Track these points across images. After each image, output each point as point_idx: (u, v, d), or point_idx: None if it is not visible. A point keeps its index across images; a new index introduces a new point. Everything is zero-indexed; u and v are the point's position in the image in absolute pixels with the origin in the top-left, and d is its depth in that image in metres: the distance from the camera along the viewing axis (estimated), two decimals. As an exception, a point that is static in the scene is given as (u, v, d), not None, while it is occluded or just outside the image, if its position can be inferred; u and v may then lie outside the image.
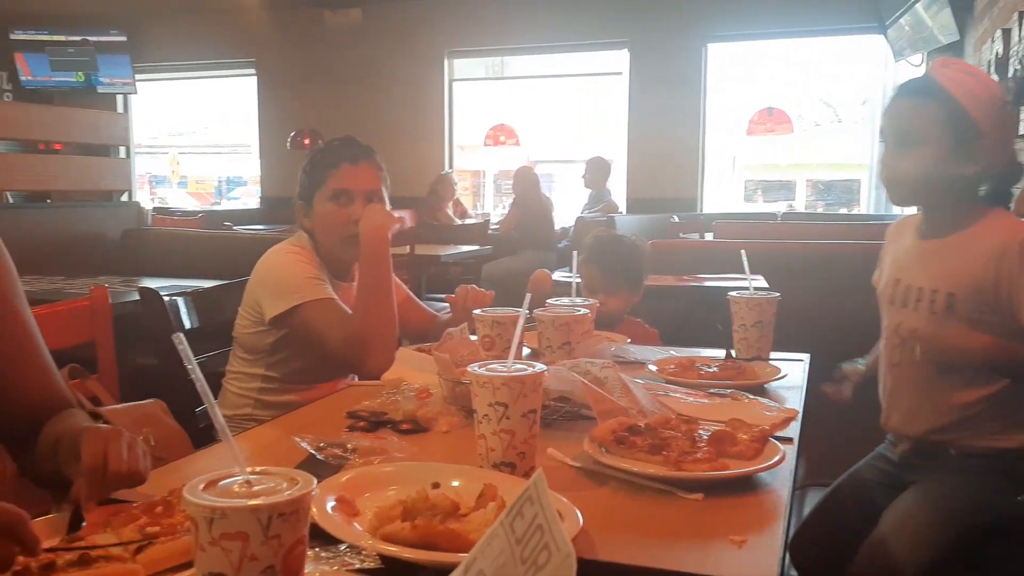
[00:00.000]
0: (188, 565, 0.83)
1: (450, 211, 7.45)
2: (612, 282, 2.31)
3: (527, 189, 6.89)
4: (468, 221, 7.44)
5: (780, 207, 10.02)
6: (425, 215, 7.13)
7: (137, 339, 2.63)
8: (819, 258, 3.76)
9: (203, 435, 1.88)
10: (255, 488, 0.71)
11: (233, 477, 0.72)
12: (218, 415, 0.79)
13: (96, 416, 1.38)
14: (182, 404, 1.85)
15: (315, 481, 0.72)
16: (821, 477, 2.19)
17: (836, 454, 2.13)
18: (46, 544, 0.86)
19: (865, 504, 1.80)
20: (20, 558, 0.81)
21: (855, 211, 9.31)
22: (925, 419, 1.72)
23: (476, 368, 1.12)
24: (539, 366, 1.14)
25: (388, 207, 1.98)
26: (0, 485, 1.55)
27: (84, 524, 0.93)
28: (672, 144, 7.61)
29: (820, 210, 10.02)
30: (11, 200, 5.89)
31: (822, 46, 7.73)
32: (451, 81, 8.46)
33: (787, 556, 0.95)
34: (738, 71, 7.95)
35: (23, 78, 8.95)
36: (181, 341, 0.79)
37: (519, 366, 1.12)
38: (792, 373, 1.75)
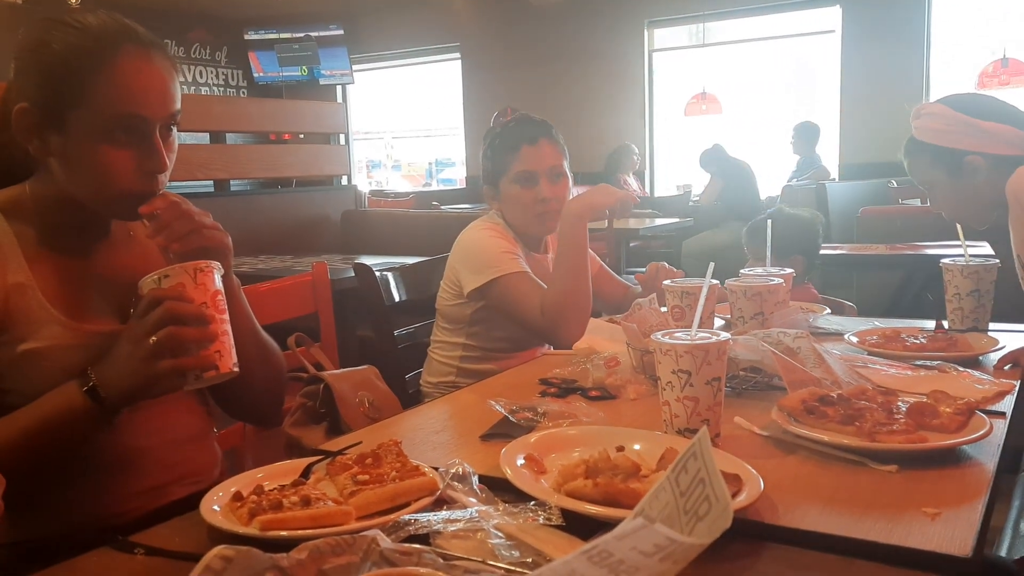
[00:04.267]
0: (394, 509, 0.93)
1: (632, 182, 7.39)
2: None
3: (721, 161, 6.69)
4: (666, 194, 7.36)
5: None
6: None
7: (354, 311, 2.86)
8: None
9: (411, 399, 2.03)
10: None
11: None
12: None
13: (319, 380, 1.54)
14: (393, 370, 2.01)
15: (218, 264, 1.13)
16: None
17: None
18: (277, 485, 0.98)
19: None
20: (253, 496, 0.93)
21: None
22: None
23: (660, 336, 1.15)
24: (723, 335, 1.14)
25: (570, 177, 2.04)
26: (240, 442, 1.77)
27: (312, 475, 1.06)
28: (891, 104, 7.00)
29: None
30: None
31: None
32: (651, 52, 8.36)
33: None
34: (965, 18, 7.26)
35: (255, 74, 9.82)
36: None
37: (703, 334, 1.14)
38: (1013, 344, 1.62)
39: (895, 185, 5.88)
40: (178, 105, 1.18)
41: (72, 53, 1.11)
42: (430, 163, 15.13)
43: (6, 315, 1.13)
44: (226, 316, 1.11)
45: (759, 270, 1.80)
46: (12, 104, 1.14)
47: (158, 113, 1.14)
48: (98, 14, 1.15)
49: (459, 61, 9.37)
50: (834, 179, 6.98)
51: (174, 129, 1.19)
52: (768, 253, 1.85)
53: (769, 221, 1.92)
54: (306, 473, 1.06)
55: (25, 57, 1.14)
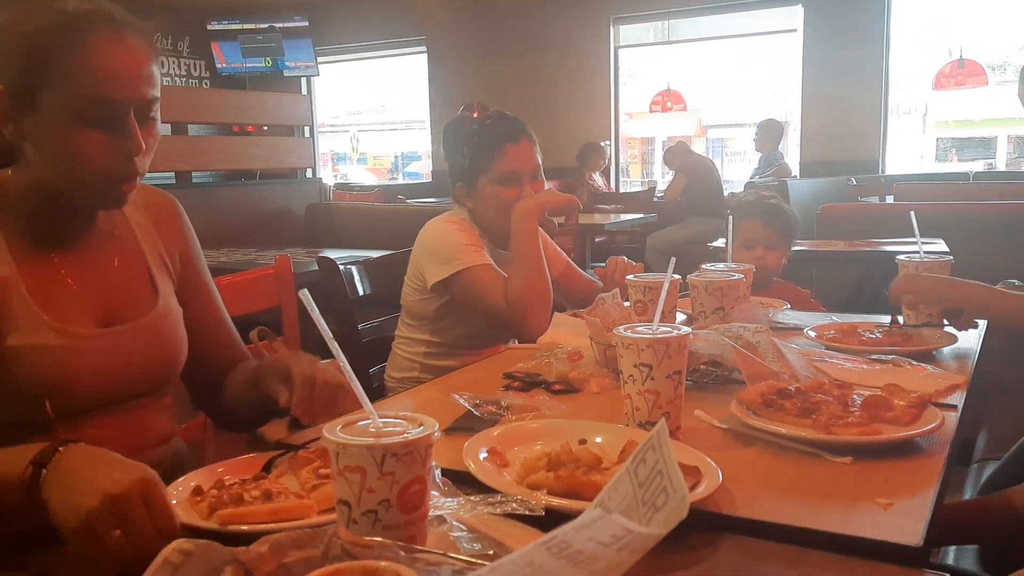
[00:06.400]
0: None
1: (598, 179, 7.43)
2: (772, 236, 2.34)
3: (685, 158, 6.76)
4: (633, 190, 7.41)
5: (976, 166, 9.31)
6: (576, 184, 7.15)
7: (318, 305, 2.85)
8: (1009, 220, 3.49)
9: (375, 393, 2.03)
10: (384, 430, 0.79)
11: (367, 421, 0.81)
12: (347, 367, 0.89)
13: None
14: (357, 364, 2.00)
15: (436, 427, 0.79)
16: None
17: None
18: (238, 479, 0.98)
19: None
20: (213, 490, 0.93)
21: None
22: None
23: (622, 330, 1.16)
24: (684, 329, 1.16)
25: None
26: (202, 436, 1.74)
27: (274, 469, 1.05)
28: (851, 102, 7.20)
29: None
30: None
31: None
32: (616, 48, 8.38)
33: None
34: (924, 19, 7.39)
35: (219, 65, 9.68)
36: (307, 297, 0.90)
37: (664, 328, 1.15)
38: (966, 340, 1.66)
39: (854, 183, 5.98)
40: (155, 90, 1.14)
41: (43, 32, 1.08)
42: (396, 156, 15.06)
43: None
44: None
45: (720, 265, 1.82)
46: None
47: (130, 95, 1.10)
48: None
49: (425, 54, 9.33)
50: (795, 176, 7.07)
51: (155, 113, 1.15)
52: (729, 248, 1.88)
53: (730, 216, 1.94)
54: (268, 467, 1.06)
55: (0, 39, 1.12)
